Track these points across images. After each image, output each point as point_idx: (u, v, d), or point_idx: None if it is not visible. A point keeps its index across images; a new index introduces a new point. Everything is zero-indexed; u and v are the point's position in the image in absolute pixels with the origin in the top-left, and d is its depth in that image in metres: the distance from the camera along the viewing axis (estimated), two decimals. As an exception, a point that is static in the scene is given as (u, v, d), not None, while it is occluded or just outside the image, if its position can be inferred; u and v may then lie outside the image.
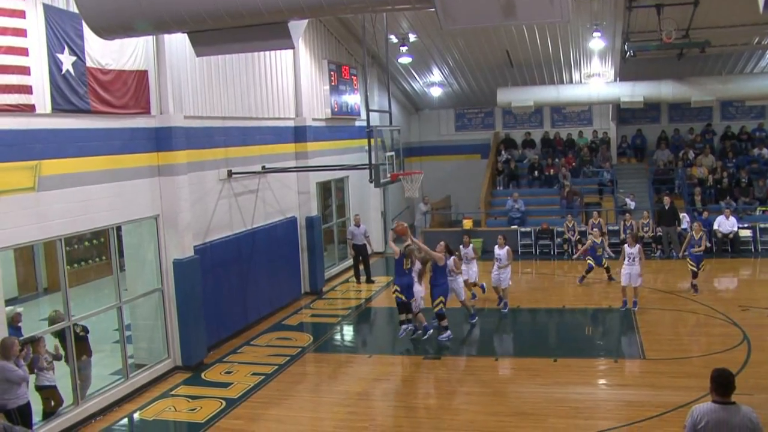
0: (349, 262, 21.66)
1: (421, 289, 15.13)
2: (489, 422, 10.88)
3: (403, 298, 14.41)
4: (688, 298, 17.13)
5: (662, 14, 19.65)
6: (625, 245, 16.72)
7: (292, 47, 10.01)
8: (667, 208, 22.54)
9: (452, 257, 15.53)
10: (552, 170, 27.70)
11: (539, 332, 16.21)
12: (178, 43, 13.45)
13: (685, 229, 22.13)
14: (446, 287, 15.07)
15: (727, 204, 23.82)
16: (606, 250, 19.91)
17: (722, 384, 6.30)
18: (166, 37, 13.15)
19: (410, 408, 11.69)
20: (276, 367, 13.80)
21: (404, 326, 14.48)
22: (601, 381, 12.56)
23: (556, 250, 23.89)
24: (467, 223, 25.06)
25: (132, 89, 12.64)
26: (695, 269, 17.67)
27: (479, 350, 14.66)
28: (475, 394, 12.18)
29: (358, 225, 20.71)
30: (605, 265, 19.40)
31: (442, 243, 15.69)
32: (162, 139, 13.39)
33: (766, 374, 11.97)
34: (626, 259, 16.34)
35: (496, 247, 17.09)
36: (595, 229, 20.20)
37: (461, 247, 17.43)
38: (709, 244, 22.31)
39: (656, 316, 15.97)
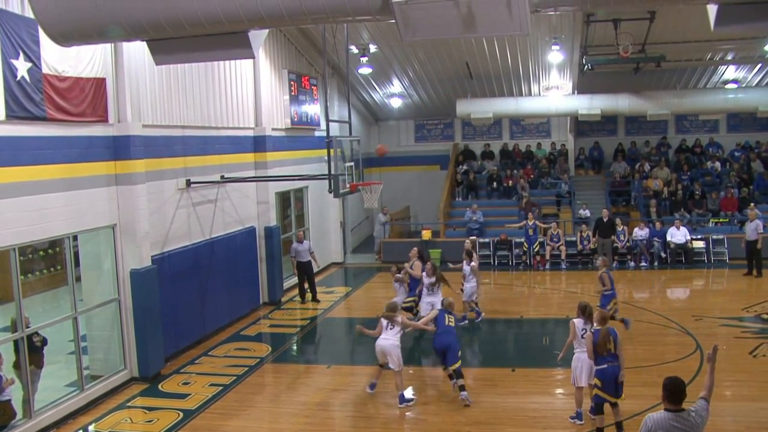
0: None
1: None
2: (448, 432, 10.95)
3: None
4: (643, 308, 17.38)
5: (619, 29, 19.99)
6: (575, 320, 11.06)
7: (253, 57, 10.00)
8: (605, 220, 22.90)
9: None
10: (511, 182, 27.94)
11: (498, 342, 16.30)
12: (136, 50, 13.32)
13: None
14: None
15: (681, 216, 24.24)
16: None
17: (674, 392, 6.40)
18: (125, 44, 13.02)
19: (369, 418, 11.68)
20: (234, 377, 13.71)
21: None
22: (559, 390, 12.66)
23: (514, 261, 24.09)
24: (426, 234, 25.17)
25: (89, 97, 12.49)
26: None
27: (438, 361, 14.69)
28: (434, 404, 12.21)
29: (301, 241, 19.90)
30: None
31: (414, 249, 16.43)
32: (120, 148, 13.24)
33: (717, 383, 12.13)
34: (578, 339, 10.97)
35: None
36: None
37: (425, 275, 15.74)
38: (664, 255, 22.81)
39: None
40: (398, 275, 16.39)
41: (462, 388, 11.95)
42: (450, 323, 12.43)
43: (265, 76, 19.58)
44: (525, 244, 23.78)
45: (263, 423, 11.70)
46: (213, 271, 16.59)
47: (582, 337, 10.86)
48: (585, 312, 10.99)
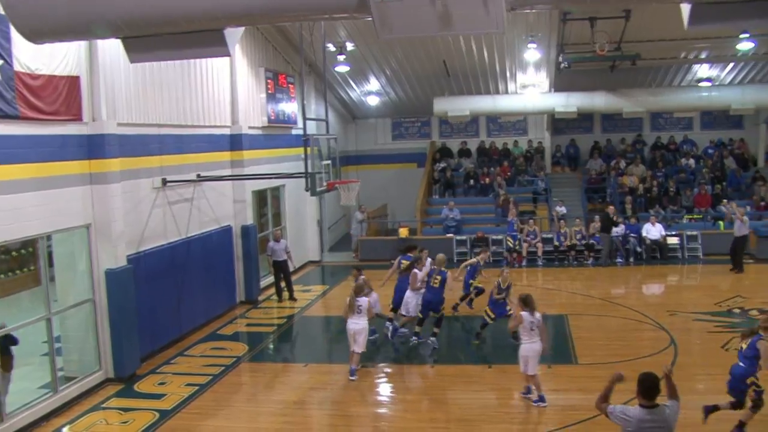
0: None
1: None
2: (425, 429, 10.97)
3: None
4: (619, 304, 17.51)
5: (595, 27, 20.11)
6: (522, 313, 11.42)
7: (228, 55, 9.95)
8: (610, 216, 23.04)
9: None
10: (487, 179, 28.03)
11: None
12: (111, 48, 13.18)
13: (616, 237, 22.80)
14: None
15: (656, 212, 24.44)
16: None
17: (648, 387, 6.46)
18: (99, 42, 12.90)
19: (347, 416, 11.68)
20: (211, 377, 13.63)
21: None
22: (536, 387, 12.73)
23: (491, 258, 24.11)
24: (403, 232, 25.17)
25: (63, 95, 12.34)
26: None
27: (415, 358, 14.70)
28: (411, 402, 12.26)
29: (277, 240, 19.80)
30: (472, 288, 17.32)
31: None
32: (94, 147, 13.10)
33: (691, 377, 12.32)
34: (526, 331, 11.42)
35: None
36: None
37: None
38: (639, 250, 22.96)
39: (588, 322, 16.28)
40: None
41: (434, 334, 14.75)
42: (435, 284, 14.50)
43: (241, 74, 19.48)
44: (509, 239, 23.79)
45: (240, 422, 11.64)
46: (189, 271, 16.48)
47: (531, 329, 11.32)
48: (526, 303, 11.40)
